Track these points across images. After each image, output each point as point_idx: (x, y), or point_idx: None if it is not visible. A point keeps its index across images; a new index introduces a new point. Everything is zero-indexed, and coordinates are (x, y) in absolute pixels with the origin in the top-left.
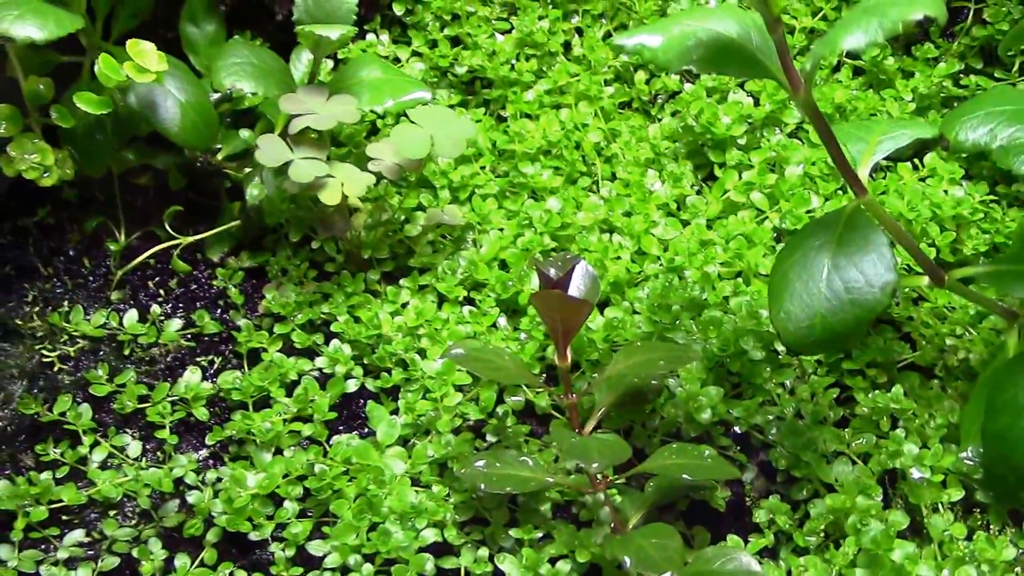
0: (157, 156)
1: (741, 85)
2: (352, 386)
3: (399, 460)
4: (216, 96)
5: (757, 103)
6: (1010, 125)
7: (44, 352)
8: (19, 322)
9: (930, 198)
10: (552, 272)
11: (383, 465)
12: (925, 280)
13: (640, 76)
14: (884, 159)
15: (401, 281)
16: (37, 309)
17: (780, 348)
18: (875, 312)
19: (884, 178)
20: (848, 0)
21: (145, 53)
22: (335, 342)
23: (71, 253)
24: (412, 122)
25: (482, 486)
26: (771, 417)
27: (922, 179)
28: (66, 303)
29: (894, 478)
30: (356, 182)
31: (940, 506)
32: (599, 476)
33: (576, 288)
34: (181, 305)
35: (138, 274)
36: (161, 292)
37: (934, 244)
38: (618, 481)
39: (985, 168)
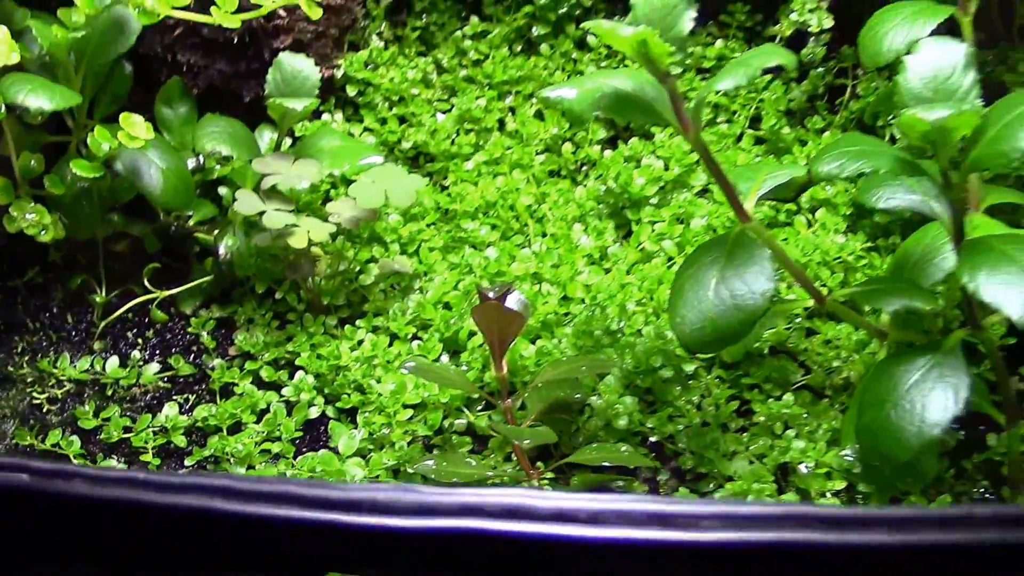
0: (134, 224)
1: (654, 152)
2: (315, 412)
3: (358, 468)
4: (191, 165)
5: (667, 167)
6: (854, 160)
7: (34, 395)
8: (10, 369)
9: (819, 245)
10: (491, 293)
11: (344, 471)
12: (810, 301)
13: (567, 147)
14: (785, 214)
15: (357, 322)
16: (27, 358)
17: (688, 368)
18: (756, 315)
19: (783, 229)
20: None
21: (135, 124)
22: (299, 374)
23: (55, 310)
24: (368, 180)
25: (432, 478)
26: (680, 427)
27: (814, 233)
28: (52, 352)
29: (786, 472)
30: (319, 229)
31: (827, 494)
32: (532, 470)
33: (510, 305)
34: (158, 351)
35: (118, 326)
36: (139, 340)
37: (825, 284)
38: (548, 475)
39: (867, 224)
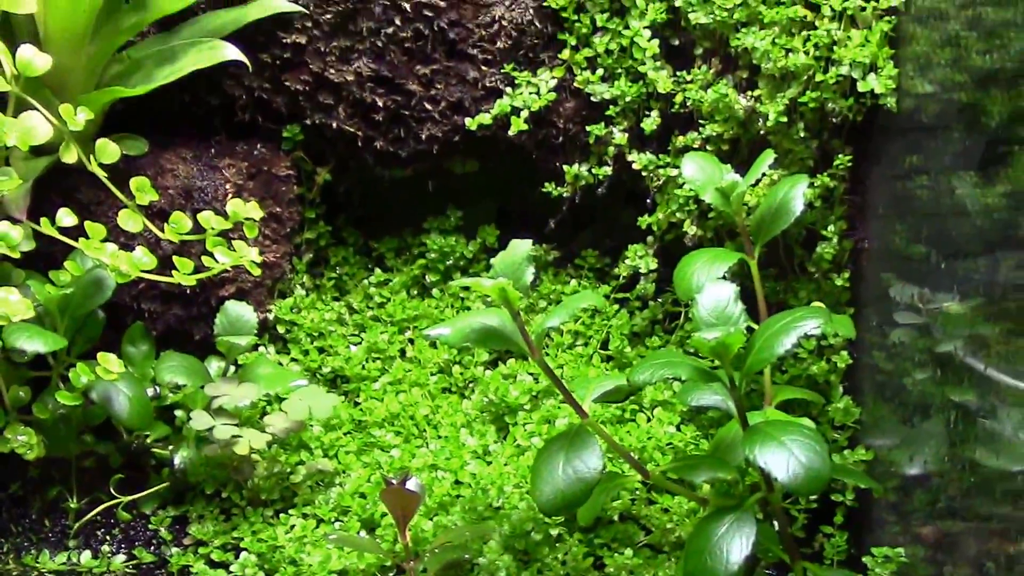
0: (101, 443)
1: (529, 373)
2: None
3: None
4: (150, 394)
5: (537, 381)
6: (660, 369)
7: None
8: None
9: (655, 435)
10: (395, 480)
11: None
12: (639, 477)
13: (457, 369)
14: (630, 412)
15: (290, 511)
16: (12, 556)
17: (554, 532)
18: (593, 484)
19: (627, 424)
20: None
21: (111, 361)
22: (244, 554)
23: (35, 516)
24: (296, 399)
25: None
26: None
27: (652, 426)
28: (34, 550)
29: None
30: (258, 439)
31: None
32: None
33: (410, 487)
34: (124, 545)
35: (89, 527)
36: (108, 537)
37: (658, 464)
38: None
39: (703, 419)
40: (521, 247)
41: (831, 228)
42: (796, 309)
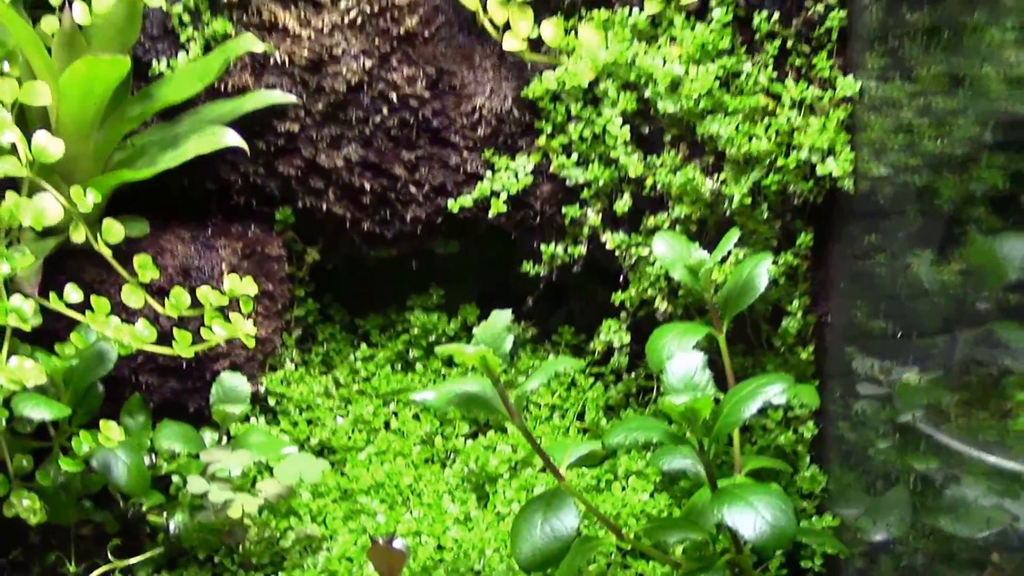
0: (98, 511)
1: (509, 445)
2: None
3: None
4: (147, 463)
5: (515, 451)
6: (632, 433)
7: None
8: None
9: (629, 503)
10: (381, 540)
11: None
12: (614, 540)
13: (439, 440)
14: (605, 482)
15: (280, 575)
16: None
17: None
18: (568, 542)
19: (602, 492)
20: None
21: (112, 429)
22: None
23: None
24: (288, 465)
25: None
26: None
27: (626, 494)
28: None
29: None
30: (250, 503)
31: None
32: None
33: (396, 546)
34: None
35: None
36: None
37: (631, 529)
38: None
39: (676, 489)
40: (501, 318)
41: (795, 304)
42: (761, 375)
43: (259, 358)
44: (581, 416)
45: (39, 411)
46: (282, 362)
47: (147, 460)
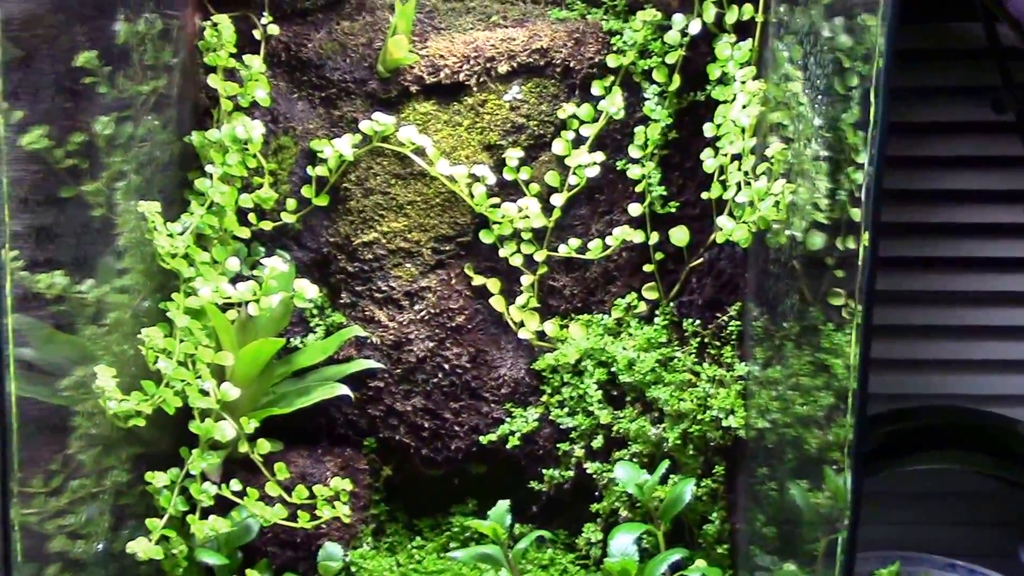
0: None
1: None
2: None
3: None
4: None
5: None
6: None
7: None
8: None
9: None
10: None
11: None
12: None
13: None
14: None
15: None
16: None
17: None
18: None
19: None
20: None
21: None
22: None
23: None
24: None
25: None
26: None
27: None
28: None
29: None
30: None
31: None
32: None
33: None
34: None
35: None
36: None
37: None
38: None
39: None
40: (504, 505)
41: (715, 515)
42: (670, 551)
43: (347, 539)
44: None
45: (212, 559)
46: (361, 545)
47: None
